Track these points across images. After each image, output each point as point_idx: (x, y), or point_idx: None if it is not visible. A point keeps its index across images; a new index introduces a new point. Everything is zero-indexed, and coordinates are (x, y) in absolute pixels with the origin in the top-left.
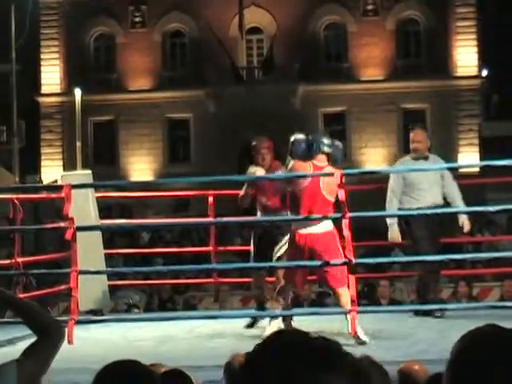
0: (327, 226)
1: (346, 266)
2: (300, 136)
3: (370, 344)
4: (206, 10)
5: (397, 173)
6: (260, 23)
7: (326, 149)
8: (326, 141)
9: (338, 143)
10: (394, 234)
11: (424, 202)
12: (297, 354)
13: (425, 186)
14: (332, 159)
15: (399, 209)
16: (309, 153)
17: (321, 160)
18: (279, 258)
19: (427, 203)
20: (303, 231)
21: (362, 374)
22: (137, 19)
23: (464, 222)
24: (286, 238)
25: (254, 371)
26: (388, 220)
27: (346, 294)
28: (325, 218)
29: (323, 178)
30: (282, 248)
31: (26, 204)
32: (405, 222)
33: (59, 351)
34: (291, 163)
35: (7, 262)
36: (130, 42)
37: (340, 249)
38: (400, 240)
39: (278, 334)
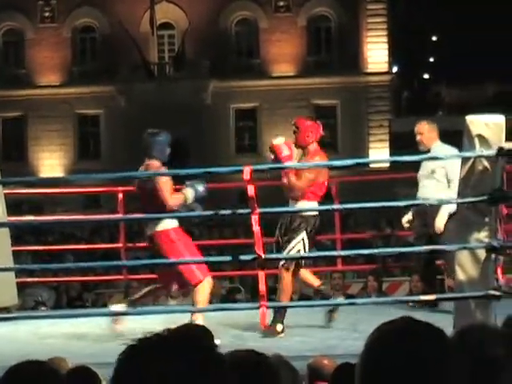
0: (165, 223)
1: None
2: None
3: (281, 339)
4: (116, 5)
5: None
6: (171, 19)
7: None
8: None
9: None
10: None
11: (420, 199)
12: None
13: (420, 181)
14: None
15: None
16: None
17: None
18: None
19: (420, 200)
20: (149, 232)
21: (266, 372)
22: (46, 14)
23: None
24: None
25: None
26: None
27: (203, 290)
28: (234, 213)
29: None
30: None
31: None
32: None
33: None
34: None
35: None
36: (39, 37)
37: (180, 246)
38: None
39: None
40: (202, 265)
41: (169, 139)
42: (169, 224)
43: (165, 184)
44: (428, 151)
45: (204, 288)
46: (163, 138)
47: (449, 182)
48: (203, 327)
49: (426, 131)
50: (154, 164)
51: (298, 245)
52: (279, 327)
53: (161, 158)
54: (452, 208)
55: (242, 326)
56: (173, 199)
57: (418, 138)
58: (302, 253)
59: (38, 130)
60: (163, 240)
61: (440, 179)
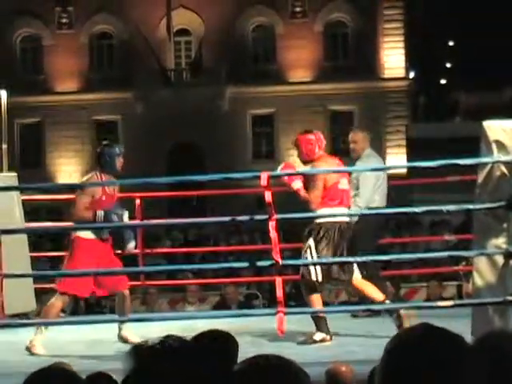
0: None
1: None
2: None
3: (298, 345)
4: (133, 12)
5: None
6: (188, 25)
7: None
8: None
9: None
10: None
11: None
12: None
13: None
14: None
15: None
16: None
17: None
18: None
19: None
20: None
21: (288, 377)
22: (63, 20)
23: None
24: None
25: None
26: None
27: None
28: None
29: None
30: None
31: None
32: None
33: None
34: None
35: None
36: (56, 43)
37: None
38: None
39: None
40: (75, 282)
41: (118, 152)
42: (83, 233)
43: (79, 196)
44: (358, 159)
45: (55, 304)
46: (111, 151)
47: (356, 193)
48: (227, 334)
49: (360, 141)
50: (93, 176)
51: (306, 253)
52: (317, 336)
53: (107, 169)
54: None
55: (259, 332)
56: (81, 212)
57: (352, 146)
58: (309, 259)
59: (56, 136)
60: (72, 244)
61: (352, 189)
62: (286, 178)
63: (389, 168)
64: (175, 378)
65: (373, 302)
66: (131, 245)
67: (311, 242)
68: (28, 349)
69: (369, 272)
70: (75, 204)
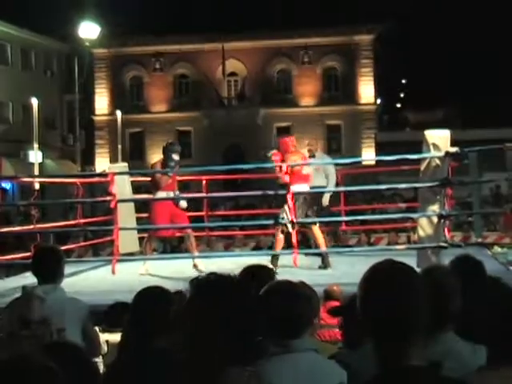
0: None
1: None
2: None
3: (304, 274)
4: (201, 61)
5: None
6: (236, 69)
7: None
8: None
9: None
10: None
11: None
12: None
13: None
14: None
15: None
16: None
17: None
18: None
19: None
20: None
21: (300, 295)
22: (157, 66)
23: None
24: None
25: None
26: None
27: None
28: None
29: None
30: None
31: (85, 185)
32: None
33: (108, 278)
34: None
35: (74, 222)
36: (152, 80)
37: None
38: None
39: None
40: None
41: (174, 149)
42: (158, 196)
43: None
44: (313, 156)
45: (147, 245)
46: (169, 148)
47: (327, 176)
48: (267, 267)
49: (313, 146)
50: (158, 161)
51: (282, 213)
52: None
53: (166, 161)
54: (330, 192)
55: (281, 265)
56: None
57: (308, 147)
58: (285, 218)
59: (152, 140)
60: (153, 203)
61: (321, 174)
62: (275, 159)
63: (365, 160)
64: (223, 301)
65: (318, 245)
66: (183, 204)
67: (286, 207)
68: (140, 274)
69: (331, 226)
70: (157, 178)
